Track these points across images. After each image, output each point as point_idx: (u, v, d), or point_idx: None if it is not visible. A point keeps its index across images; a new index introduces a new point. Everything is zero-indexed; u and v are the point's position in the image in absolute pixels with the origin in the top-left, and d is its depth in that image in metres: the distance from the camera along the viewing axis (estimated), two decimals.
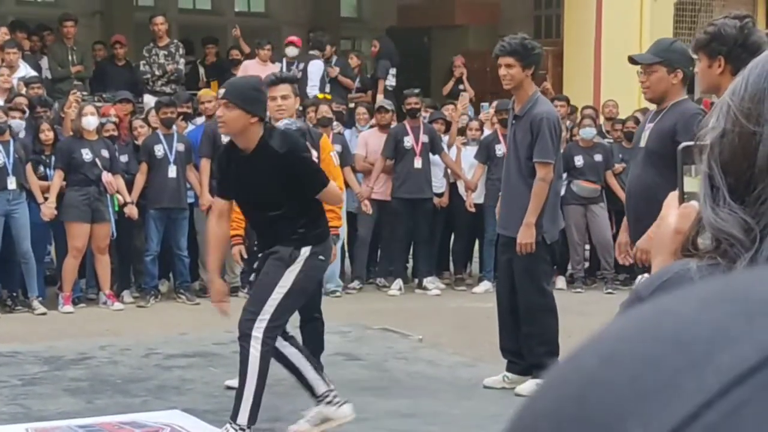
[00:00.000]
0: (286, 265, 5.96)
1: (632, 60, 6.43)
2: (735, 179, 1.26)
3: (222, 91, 6.51)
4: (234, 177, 6.09)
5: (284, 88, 7.11)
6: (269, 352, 5.92)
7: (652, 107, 6.37)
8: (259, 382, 5.89)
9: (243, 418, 5.93)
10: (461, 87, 15.18)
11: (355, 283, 11.98)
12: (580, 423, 0.53)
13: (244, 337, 5.92)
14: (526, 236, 7.18)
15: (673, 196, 1.61)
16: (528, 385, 7.30)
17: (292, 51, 14.35)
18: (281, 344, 6.10)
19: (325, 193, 6.02)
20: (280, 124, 6.59)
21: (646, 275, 1.67)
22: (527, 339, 7.40)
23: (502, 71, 7.28)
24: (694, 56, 5.27)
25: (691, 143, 1.66)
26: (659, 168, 5.97)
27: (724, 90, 4.39)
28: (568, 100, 13.34)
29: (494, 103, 12.76)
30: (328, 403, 6.19)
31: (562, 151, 12.07)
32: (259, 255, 6.30)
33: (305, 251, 5.98)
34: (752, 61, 1.33)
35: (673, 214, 1.59)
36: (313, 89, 13.85)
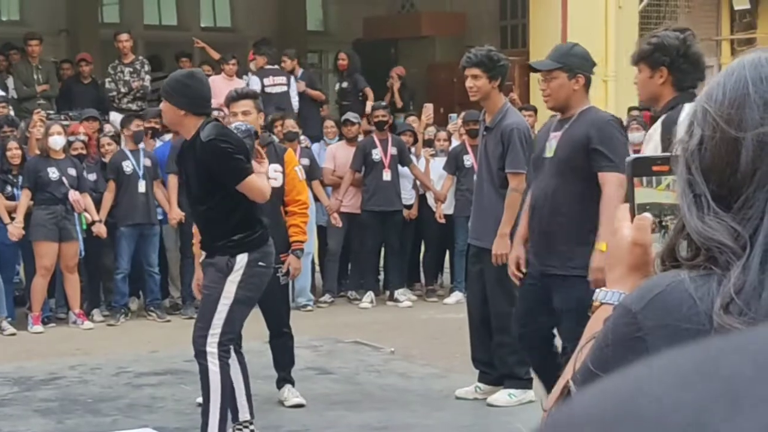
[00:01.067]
0: (225, 275, 5.91)
1: (531, 68, 6.43)
2: (718, 186, 1.26)
3: (249, 103, 6.62)
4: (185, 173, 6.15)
5: (245, 104, 7.08)
6: (226, 364, 5.91)
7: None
8: (223, 396, 5.89)
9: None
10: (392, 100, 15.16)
11: (327, 297, 11.96)
12: None
13: (200, 354, 5.92)
14: (500, 247, 7.18)
15: (624, 208, 1.61)
16: (500, 396, 7.31)
17: (252, 66, 14.33)
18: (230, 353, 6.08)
19: (245, 185, 5.85)
20: (232, 126, 6.54)
21: (604, 289, 1.65)
22: (499, 349, 7.40)
23: (469, 82, 7.30)
24: (634, 66, 5.34)
25: (642, 155, 1.66)
26: (569, 178, 5.97)
27: (664, 100, 4.46)
28: (536, 110, 13.38)
29: (462, 114, 12.78)
30: None
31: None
32: (201, 259, 6.26)
33: (242, 258, 5.92)
34: (726, 68, 1.33)
35: (626, 227, 1.58)
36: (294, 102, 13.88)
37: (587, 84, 6.10)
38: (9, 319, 10.46)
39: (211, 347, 5.87)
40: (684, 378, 0.54)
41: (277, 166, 7.37)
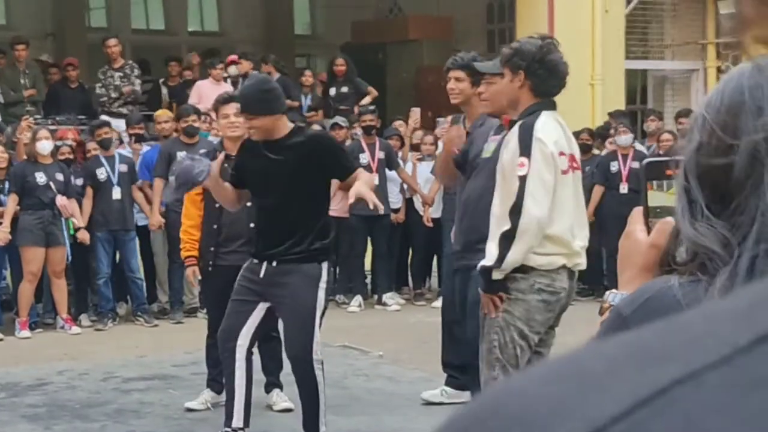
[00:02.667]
0: (316, 283, 5.97)
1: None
2: (711, 192, 1.26)
3: (238, 105, 6.60)
4: (255, 171, 6.08)
5: (236, 106, 7.09)
6: (322, 362, 6.07)
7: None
8: (324, 393, 6.14)
9: (323, 427, 6.17)
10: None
11: (338, 297, 11.99)
12: None
13: (305, 364, 5.99)
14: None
15: (637, 211, 1.61)
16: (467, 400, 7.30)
17: (233, 70, 14.30)
18: (240, 359, 6.08)
19: (354, 176, 5.95)
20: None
21: (614, 291, 1.67)
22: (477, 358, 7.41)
23: (451, 84, 7.32)
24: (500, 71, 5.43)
25: (656, 159, 1.66)
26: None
27: (523, 104, 4.51)
28: None
29: (449, 118, 12.79)
30: None
31: None
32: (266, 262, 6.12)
33: (325, 266, 6.03)
34: (727, 74, 1.33)
35: (639, 230, 1.59)
36: None
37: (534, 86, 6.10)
38: None
39: (317, 354, 5.99)
40: (548, 377, 0.58)
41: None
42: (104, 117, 13.25)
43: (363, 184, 5.81)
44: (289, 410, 7.28)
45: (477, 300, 5.66)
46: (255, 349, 6.35)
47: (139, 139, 11.95)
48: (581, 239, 5.52)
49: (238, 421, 6.14)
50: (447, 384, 7.56)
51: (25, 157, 10.60)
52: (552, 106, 5.45)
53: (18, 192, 10.32)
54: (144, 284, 11.14)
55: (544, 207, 5.21)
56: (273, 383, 7.47)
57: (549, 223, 5.26)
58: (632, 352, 0.58)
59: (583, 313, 6.26)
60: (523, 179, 5.17)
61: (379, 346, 9.41)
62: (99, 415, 7.41)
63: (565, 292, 5.47)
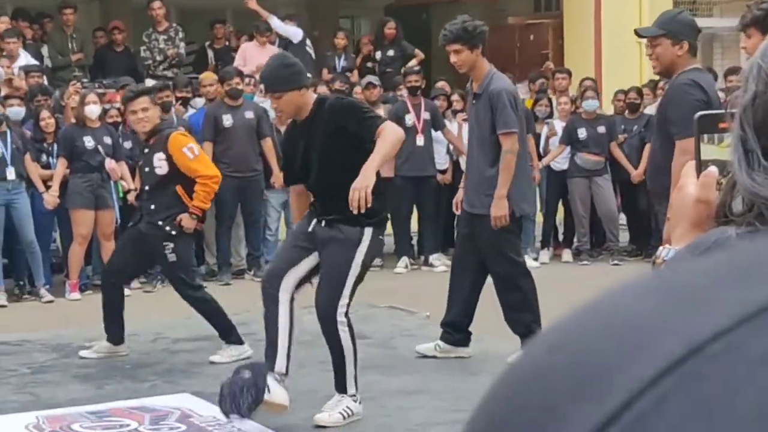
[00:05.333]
0: (355, 246, 6.03)
1: (637, 33, 6.47)
2: None
3: (262, 86, 6.68)
4: (299, 154, 6.18)
5: (143, 101, 7.54)
6: (351, 326, 6.13)
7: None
8: (355, 354, 6.17)
9: (352, 388, 6.20)
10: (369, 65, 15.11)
11: (376, 261, 12.02)
12: (528, 410, 0.56)
13: (329, 321, 6.08)
14: (499, 209, 7.28)
15: (690, 165, 1.60)
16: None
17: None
18: (283, 305, 6.12)
19: (381, 129, 5.92)
20: None
21: (667, 246, 1.65)
22: (509, 311, 7.50)
23: (453, 58, 7.46)
24: (743, 33, 5.38)
25: (709, 112, 1.64)
26: (661, 141, 5.96)
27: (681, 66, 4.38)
28: (570, 73, 13.31)
29: None
30: (275, 381, 6.13)
31: (564, 124, 12.12)
32: (317, 220, 6.22)
33: (369, 231, 6.06)
34: None
35: (691, 184, 1.58)
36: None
37: (692, 50, 6.09)
38: (47, 286, 10.56)
39: (341, 316, 6.06)
40: (643, 291, 0.59)
41: (161, 155, 7.67)
42: (149, 81, 13.32)
43: (365, 173, 5.81)
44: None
45: None
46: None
47: (185, 102, 11.99)
48: None
49: (280, 366, 6.15)
50: (441, 338, 7.74)
51: (73, 121, 10.68)
52: None
53: (67, 156, 10.40)
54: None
55: None
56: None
57: None
58: (732, 270, 0.57)
59: (632, 274, 6.24)
60: None
61: (425, 306, 9.42)
62: (149, 375, 7.49)
63: None
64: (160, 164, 7.68)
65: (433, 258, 11.99)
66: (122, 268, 8.06)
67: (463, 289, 7.65)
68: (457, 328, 7.71)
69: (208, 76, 12.17)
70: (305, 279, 6.24)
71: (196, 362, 7.76)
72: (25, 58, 12.72)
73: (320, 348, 7.72)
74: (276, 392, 6.05)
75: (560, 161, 12.16)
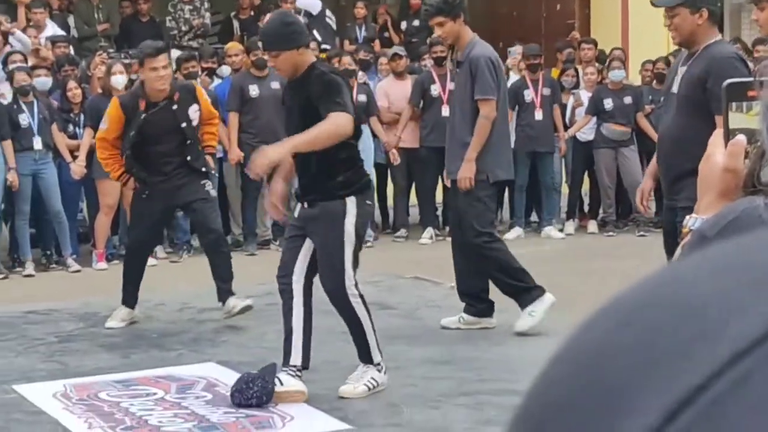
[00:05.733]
0: (341, 219, 5.98)
1: (653, 3, 6.31)
2: None
3: (260, 44, 6.65)
4: (286, 116, 6.23)
5: (164, 58, 7.60)
6: (362, 296, 6.12)
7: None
8: (372, 322, 6.17)
9: (377, 356, 6.21)
10: (386, 35, 15.02)
11: (402, 231, 12.06)
12: (592, 390, 0.53)
13: (340, 299, 6.06)
14: (465, 171, 7.36)
15: (718, 134, 1.58)
16: (523, 320, 7.46)
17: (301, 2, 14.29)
18: (297, 296, 6.11)
19: (333, 116, 5.81)
20: None
21: (693, 216, 1.64)
22: (488, 277, 7.53)
23: (437, 32, 7.53)
24: (755, 6, 5.25)
25: (737, 80, 1.62)
26: (690, 116, 5.72)
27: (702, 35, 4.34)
28: (596, 43, 13.23)
29: (521, 48, 12.69)
30: (289, 375, 6.11)
31: (590, 94, 12.05)
32: (299, 203, 6.27)
33: (352, 201, 6.00)
34: None
35: (719, 153, 1.56)
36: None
37: (712, 18, 5.84)
38: (74, 256, 10.63)
39: (351, 289, 6.04)
40: (718, 268, 0.55)
41: (195, 106, 7.89)
42: (174, 51, 13.32)
43: (276, 146, 5.92)
44: (249, 308, 7.81)
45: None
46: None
47: (211, 72, 11.99)
48: None
49: (296, 359, 6.08)
50: (464, 311, 7.72)
51: (99, 91, 10.70)
52: None
53: (93, 126, 10.41)
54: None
55: None
56: (228, 291, 7.93)
57: None
58: None
59: (658, 245, 6.22)
60: None
61: (450, 277, 9.39)
62: (175, 344, 7.53)
63: None
64: (195, 116, 7.91)
65: None
66: (147, 239, 8.16)
67: (467, 259, 7.66)
68: (477, 298, 7.72)
69: (233, 47, 12.17)
70: (312, 265, 6.15)
71: (222, 332, 7.80)
72: (51, 29, 12.75)
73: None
74: (290, 382, 6.04)
75: (586, 132, 12.11)
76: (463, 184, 7.34)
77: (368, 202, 6.16)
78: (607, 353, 0.54)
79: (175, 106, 7.81)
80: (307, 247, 6.12)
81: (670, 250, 6.08)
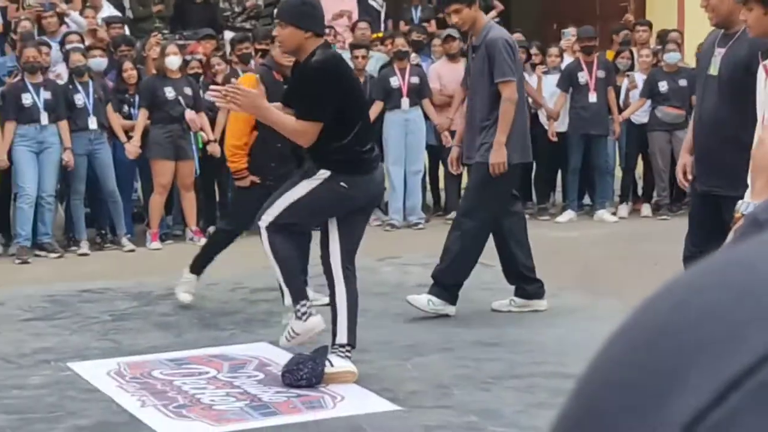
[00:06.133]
0: (306, 177, 6.04)
1: None
2: None
3: (275, 11, 6.63)
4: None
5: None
6: (274, 235, 6.06)
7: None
8: (282, 267, 6.12)
9: (286, 299, 6.29)
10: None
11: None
12: (646, 370, 0.54)
13: (258, 227, 6.13)
14: (497, 156, 7.34)
15: None
16: (421, 299, 7.48)
17: None
18: (339, 277, 6.10)
19: (299, 123, 5.90)
20: None
21: (745, 200, 1.62)
22: (452, 256, 7.54)
23: (453, 19, 7.48)
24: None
25: None
26: (733, 100, 5.62)
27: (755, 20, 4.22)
28: (651, 25, 13.11)
29: (575, 30, 12.61)
30: (339, 356, 6.12)
31: (645, 77, 11.96)
32: None
33: (325, 172, 5.99)
34: None
35: None
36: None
37: None
38: (128, 235, 10.72)
39: (264, 223, 6.06)
40: None
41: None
42: (227, 32, 13.39)
43: (265, 110, 5.92)
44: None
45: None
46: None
47: (264, 54, 12.00)
48: None
49: (341, 337, 6.09)
50: (516, 294, 7.74)
51: (154, 72, 10.78)
52: None
53: (148, 106, 10.51)
54: None
55: None
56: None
57: None
58: None
59: None
60: None
61: None
62: (228, 324, 7.58)
63: None
64: None
65: None
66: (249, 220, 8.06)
67: (505, 241, 7.66)
68: (525, 279, 7.70)
69: None
70: (344, 245, 6.15)
71: (274, 312, 7.84)
72: (108, 9, 12.86)
73: (396, 300, 7.77)
74: (340, 364, 6.07)
75: (640, 115, 12.01)
76: (497, 170, 7.31)
77: (342, 184, 6.01)
78: (663, 334, 0.54)
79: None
80: (335, 230, 6.13)
81: (697, 243, 5.92)
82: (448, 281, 7.52)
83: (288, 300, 6.26)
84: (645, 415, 0.53)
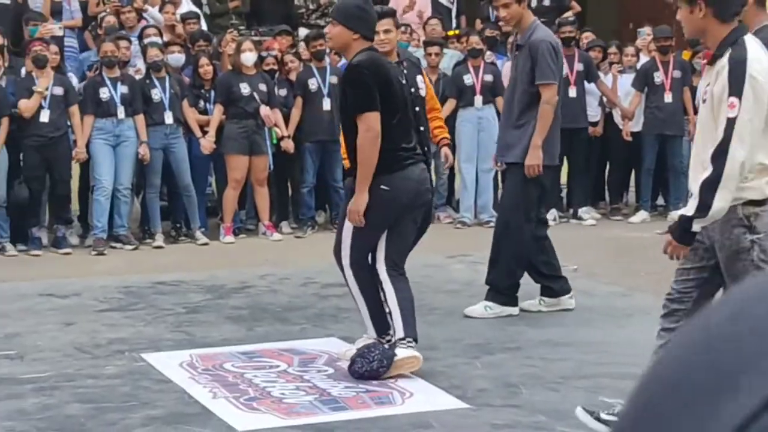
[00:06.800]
0: (351, 196, 6.17)
1: None
2: None
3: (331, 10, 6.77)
4: None
5: (386, 23, 7.30)
6: (359, 272, 6.23)
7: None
8: (367, 300, 6.29)
9: (370, 331, 6.41)
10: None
11: None
12: (707, 371, 0.57)
13: (338, 262, 6.34)
14: (533, 158, 7.33)
15: None
16: (477, 307, 7.47)
17: None
18: (384, 277, 6.16)
19: (361, 118, 6.00)
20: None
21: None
22: (499, 257, 7.52)
23: (502, 13, 7.50)
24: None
25: None
26: None
27: (710, 34, 4.29)
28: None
29: (650, 29, 12.51)
30: (401, 347, 6.15)
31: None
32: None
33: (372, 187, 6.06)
34: None
35: None
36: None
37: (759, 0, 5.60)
38: (202, 229, 10.85)
39: (345, 260, 6.23)
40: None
41: (420, 77, 7.63)
42: (302, 29, 13.46)
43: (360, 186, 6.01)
44: None
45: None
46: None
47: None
48: None
49: (399, 333, 6.16)
50: (543, 294, 7.72)
51: (229, 68, 10.89)
52: (746, 29, 5.05)
53: (223, 102, 10.63)
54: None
55: (747, 150, 4.79)
56: None
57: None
58: None
59: None
60: (731, 121, 4.67)
61: (573, 260, 9.36)
62: (299, 318, 7.64)
63: None
64: (422, 85, 7.61)
65: (582, 211, 11.90)
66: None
67: (536, 241, 7.65)
68: (551, 279, 7.68)
69: None
70: (394, 249, 6.21)
71: (344, 307, 7.88)
72: (187, 5, 12.99)
73: (466, 298, 7.79)
74: (403, 352, 6.12)
75: None
76: (532, 171, 7.33)
77: (383, 187, 6.06)
78: (720, 340, 0.57)
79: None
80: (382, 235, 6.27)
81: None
82: (502, 284, 7.51)
83: (371, 329, 6.41)
84: (699, 414, 0.55)
